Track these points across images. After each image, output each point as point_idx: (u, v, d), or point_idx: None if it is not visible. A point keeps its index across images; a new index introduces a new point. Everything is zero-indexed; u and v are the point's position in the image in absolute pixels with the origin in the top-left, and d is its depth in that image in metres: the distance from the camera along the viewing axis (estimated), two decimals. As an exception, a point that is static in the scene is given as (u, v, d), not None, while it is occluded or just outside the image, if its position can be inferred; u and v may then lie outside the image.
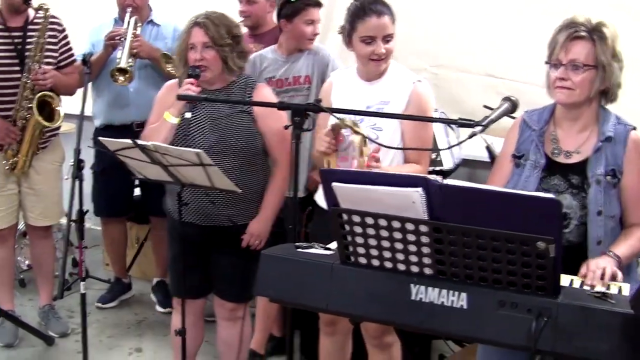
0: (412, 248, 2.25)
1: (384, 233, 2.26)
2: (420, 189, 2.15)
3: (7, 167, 4.59)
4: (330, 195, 2.31)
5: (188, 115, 3.55)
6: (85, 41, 5.12)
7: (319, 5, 4.34)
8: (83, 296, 3.83)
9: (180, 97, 3.46)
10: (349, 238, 2.34)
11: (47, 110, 4.55)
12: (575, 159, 2.96)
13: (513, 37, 4.82)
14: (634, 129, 2.96)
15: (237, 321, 3.93)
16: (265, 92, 3.79)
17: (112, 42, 4.91)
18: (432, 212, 2.18)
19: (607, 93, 2.95)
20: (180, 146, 3.59)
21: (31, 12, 4.60)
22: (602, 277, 2.60)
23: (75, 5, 4.95)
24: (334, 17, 5.31)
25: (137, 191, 5.44)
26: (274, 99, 3.78)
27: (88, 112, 5.02)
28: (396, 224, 2.23)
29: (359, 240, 2.32)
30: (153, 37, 5.13)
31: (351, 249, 2.36)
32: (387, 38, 3.40)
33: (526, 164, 3.01)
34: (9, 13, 4.52)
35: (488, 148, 4.21)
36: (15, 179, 4.70)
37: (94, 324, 5.17)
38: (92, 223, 6.32)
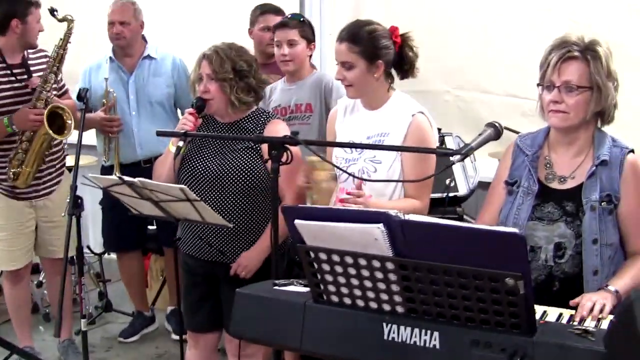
0: (381, 286, 2.18)
1: (352, 271, 2.19)
2: (381, 225, 2.06)
3: (10, 177, 4.53)
4: (294, 232, 2.23)
5: (180, 143, 3.50)
6: (79, 80, 5.14)
7: (286, 25, 4.26)
8: (85, 334, 3.80)
9: (159, 133, 3.43)
10: (319, 276, 2.27)
11: (58, 123, 4.50)
12: (569, 184, 2.84)
13: (534, 57, 4.71)
14: (632, 151, 2.83)
15: (245, 359, 3.84)
16: (278, 128, 3.62)
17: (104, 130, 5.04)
18: (397, 249, 2.10)
19: (603, 114, 2.83)
20: (185, 177, 3.56)
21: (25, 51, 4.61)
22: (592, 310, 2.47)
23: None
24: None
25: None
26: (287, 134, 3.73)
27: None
28: (362, 261, 2.16)
29: (329, 278, 2.25)
30: (152, 73, 5.09)
31: (322, 287, 2.29)
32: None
33: (518, 191, 2.89)
34: (13, 51, 4.53)
35: (446, 169, 4.10)
36: (33, 215, 4.70)
37: (113, 359, 5.13)
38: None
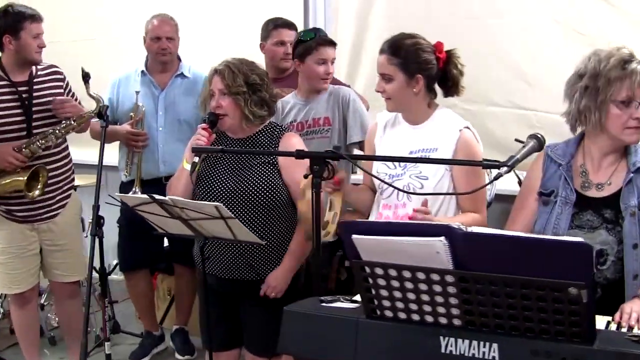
0: (439, 299, 2.17)
1: (409, 285, 2.18)
2: (443, 238, 2.07)
3: None
4: (350, 247, 2.23)
5: (196, 159, 3.51)
6: (107, 91, 5.14)
7: (333, 44, 4.28)
8: (108, 357, 3.77)
9: (194, 149, 3.42)
10: (373, 291, 2.26)
11: (34, 182, 4.48)
12: (607, 191, 2.87)
13: (542, 69, 4.75)
14: None
15: None
16: (293, 142, 3.68)
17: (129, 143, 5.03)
18: (457, 261, 2.10)
19: None
20: (201, 194, 3.55)
21: (33, 68, 4.55)
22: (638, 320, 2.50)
23: (102, 52, 4.97)
24: (363, 54, 5.30)
25: (166, 242, 5.43)
26: (302, 147, 3.70)
27: (112, 162, 5.16)
28: (421, 275, 2.15)
29: (384, 293, 2.24)
30: (183, 91, 5.10)
31: (376, 302, 2.28)
32: None
33: (556, 201, 2.91)
34: (15, 68, 4.48)
35: (520, 183, 4.13)
36: (36, 238, 4.63)
37: (125, 381, 5.10)
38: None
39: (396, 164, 3.32)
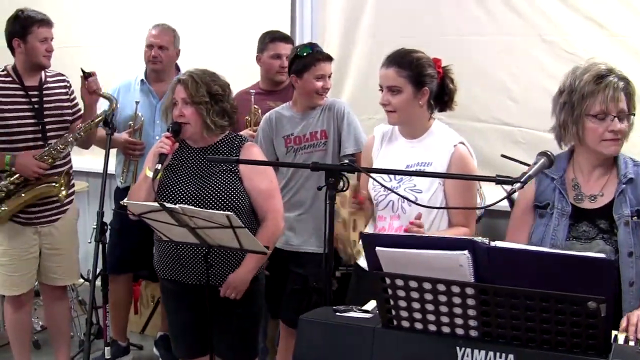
0: (458, 310, 2.22)
1: (428, 296, 2.24)
2: (466, 252, 2.12)
3: None
4: (372, 259, 2.28)
5: (158, 166, 3.57)
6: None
7: (330, 59, 4.28)
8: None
9: (209, 159, 3.47)
10: (392, 302, 2.31)
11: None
12: (600, 202, 2.96)
13: (527, 86, 4.81)
14: None
15: None
16: (254, 151, 3.78)
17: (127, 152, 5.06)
18: (478, 274, 2.16)
19: None
20: (163, 201, 3.56)
21: (42, 73, 4.59)
22: None
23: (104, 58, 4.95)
24: (349, 69, 5.34)
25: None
26: (262, 158, 3.86)
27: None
28: (441, 287, 2.20)
29: (402, 303, 2.29)
30: None
31: (394, 312, 2.33)
32: None
33: (553, 213, 2.99)
34: (26, 72, 4.51)
35: (508, 197, 4.19)
36: (37, 241, 4.65)
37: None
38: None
39: (392, 176, 3.38)
